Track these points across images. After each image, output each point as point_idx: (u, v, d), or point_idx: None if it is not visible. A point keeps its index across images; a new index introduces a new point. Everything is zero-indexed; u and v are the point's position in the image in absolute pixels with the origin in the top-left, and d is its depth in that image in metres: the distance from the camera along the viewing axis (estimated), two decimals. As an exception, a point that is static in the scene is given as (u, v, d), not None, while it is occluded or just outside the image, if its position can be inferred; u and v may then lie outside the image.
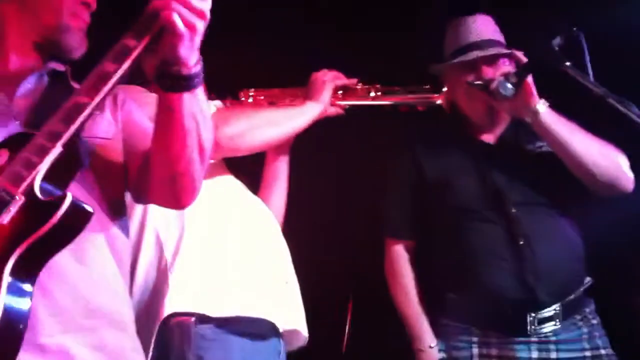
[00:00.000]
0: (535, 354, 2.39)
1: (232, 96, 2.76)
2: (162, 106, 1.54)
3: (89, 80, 1.47)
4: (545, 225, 2.44)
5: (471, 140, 2.61)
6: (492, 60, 2.51)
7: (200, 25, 1.47)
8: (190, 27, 1.45)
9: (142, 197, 1.73)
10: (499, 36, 2.60)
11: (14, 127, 1.58)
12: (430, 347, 2.52)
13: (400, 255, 2.63)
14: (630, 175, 2.37)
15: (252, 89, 2.75)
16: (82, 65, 1.72)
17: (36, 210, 1.39)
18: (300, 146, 2.65)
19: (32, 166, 1.41)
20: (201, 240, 2.14)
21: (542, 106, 2.37)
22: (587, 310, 2.47)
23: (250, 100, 2.68)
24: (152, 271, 2.08)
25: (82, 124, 1.45)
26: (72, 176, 1.52)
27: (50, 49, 1.74)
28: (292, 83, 2.69)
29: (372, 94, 2.60)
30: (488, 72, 2.48)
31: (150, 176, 1.64)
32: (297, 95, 2.61)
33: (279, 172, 2.61)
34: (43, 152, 1.41)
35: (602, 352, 2.41)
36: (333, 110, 2.57)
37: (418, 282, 2.61)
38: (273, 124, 2.35)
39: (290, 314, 2.26)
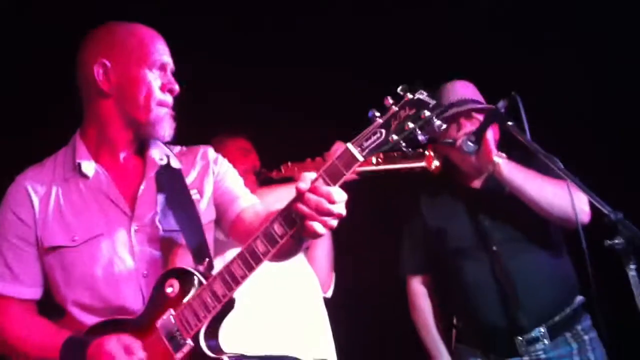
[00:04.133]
0: None
1: (277, 169, 3.39)
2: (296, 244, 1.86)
3: (243, 255, 1.79)
4: (524, 259, 2.79)
5: (461, 187, 3.01)
6: (469, 115, 2.90)
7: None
8: (329, 228, 1.72)
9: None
10: (477, 96, 2.97)
11: (135, 239, 1.97)
12: None
13: (418, 289, 3.09)
14: (586, 209, 2.61)
15: (290, 162, 3.36)
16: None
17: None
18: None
19: (199, 320, 1.85)
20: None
21: (499, 159, 2.72)
22: (580, 327, 2.79)
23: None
24: None
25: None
26: (224, 318, 1.92)
27: (147, 137, 2.07)
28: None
29: (375, 161, 3.07)
30: (466, 125, 2.88)
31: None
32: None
33: None
34: (208, 309, 1.84)
35: None
36: (347, 176, 3.06)
37: (436, 312, 3.06)
38: (281, 200, 2.89)
39: (318, 349, 2.81)
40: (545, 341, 2.74)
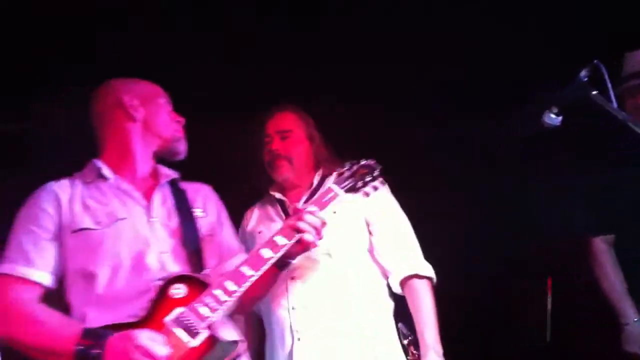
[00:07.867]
0: None
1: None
2: (271, 274, 2.27)
3: (252, 258, 2.17)
4: None
5: None
6: None
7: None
8: (319, 238, 2.24)
9: None
10: None
11: (152, 226, 2.29)
12: (635, 320, 2.91)
13: (601, 247, 3.07)
14: None
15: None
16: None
17: (215, 345, 2.05)
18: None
19: (212, 311, 2.06)
20: None
21: None
22: None
23: None
24: None
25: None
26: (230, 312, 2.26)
27: (166, 155, 2.46)
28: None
29: None
30: None
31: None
32: None
33: None
34: (219, 302, 2.07)
35: None
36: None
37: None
38: None
39: None
40: None
